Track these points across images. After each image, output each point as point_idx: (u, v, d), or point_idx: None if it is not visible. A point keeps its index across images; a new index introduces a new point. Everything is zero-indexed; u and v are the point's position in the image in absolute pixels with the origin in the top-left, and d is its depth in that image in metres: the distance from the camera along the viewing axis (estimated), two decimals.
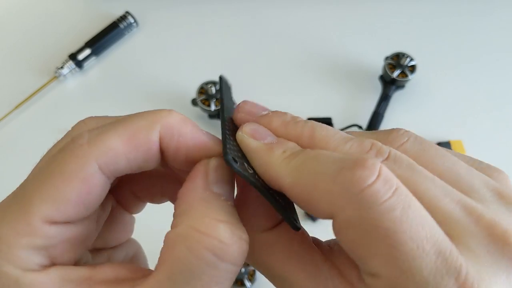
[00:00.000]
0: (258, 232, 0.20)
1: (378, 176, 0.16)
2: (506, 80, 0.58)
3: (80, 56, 0.57)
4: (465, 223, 0.17)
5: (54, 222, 0.18)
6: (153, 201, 0.25)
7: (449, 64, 0.58)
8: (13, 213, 0.18)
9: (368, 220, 0.16)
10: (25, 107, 0.56)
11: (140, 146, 0.19)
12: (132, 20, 0.59)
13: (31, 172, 0.20)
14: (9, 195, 0.20)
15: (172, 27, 0.61)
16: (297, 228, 0.19)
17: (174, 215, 0.19)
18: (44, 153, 0.21)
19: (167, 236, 0.18)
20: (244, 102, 0.23)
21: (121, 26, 0.59)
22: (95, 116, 0.22)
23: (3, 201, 0.20)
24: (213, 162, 0.20)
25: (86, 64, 0.58)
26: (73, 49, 0.58)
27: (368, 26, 0.61)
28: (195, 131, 0.21)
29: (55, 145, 0.21)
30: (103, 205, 0.22)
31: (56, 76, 0.57)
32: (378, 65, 0.56)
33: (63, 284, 0.18)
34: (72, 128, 0.21)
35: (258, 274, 0.46)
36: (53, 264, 0.19)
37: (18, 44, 0.61)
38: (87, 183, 0.18)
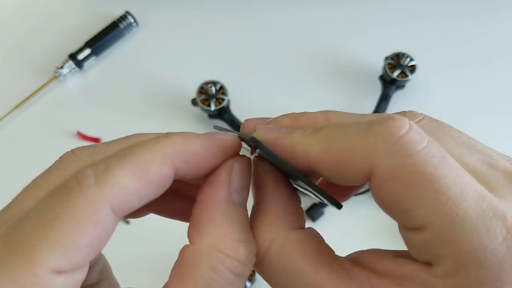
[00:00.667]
0: (291, 230, 0.19)
1: (410, 127, 0.16)
2: (506, 80, 0.58)
3: (80, 56, 0.57)
4: (495, 175, 0.17)
5: (63, 272, 0.16)
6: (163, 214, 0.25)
7: (449, 64, 0.58)
8: (14, 263, 0.16)
9: (410, 167, 0.16)
10: (25, 107, 0.56)
11: (153, 181, 0.18)
12: (132, 20, 0.59)
13: (27, 213, 0.17)
14: (0, 240, 0.17)
15: (172, 27, 0.61)
16: (341, 205, 0.19)
17: (192, 224, 0.19)
18: (30, 182, 0.19)
19: (186, 252, 0.18)
20: (247, 119, 0.23)
21: (121, 26, 0.59)
22: (85, 146, 0.20)
23: None
24: (237, 167, 0.20)
25: (86, 64, 0.58)
26: (73, 49, 0.58)
27: (368, 26, 0.61)
28: (209, 149, 0.20)
29: (45, 178, 0.19)
30: None
31: (56, 76, 0.57)
32: (378, 65, 0.56)
33: None
34: (61, 160, 0.19)
35: (258, 275, 0.46)
36: None
37: (18, 44, 0.61)
38: (100, 227, 0.17)
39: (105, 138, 0.55)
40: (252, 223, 0.20)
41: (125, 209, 0.18)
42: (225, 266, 0.18)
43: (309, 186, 0.19)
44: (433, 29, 0.61)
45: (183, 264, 0.18)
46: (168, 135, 0.20)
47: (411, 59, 0.53)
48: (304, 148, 0.18)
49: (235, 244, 0.18)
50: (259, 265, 0.19)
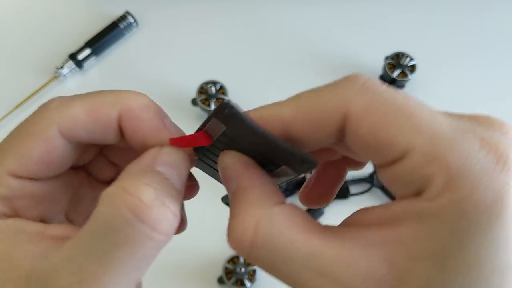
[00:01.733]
0: (273, 206, 0.19)
1: (369, 77, 0.18)
2: (506, 79, 0.58)
3: (80, 56, 0.57)
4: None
5: (18, 176, 0.20)
6: None
7: (449, 63, 0.58)
8: None
9: (382, 99, 0.17)
10: (25, 107, 0.56)
11: (99, 120, 0.21)
12: (132, 20, 0.59)
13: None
14: None
15: (172, 26, 0.61)
16: (315, 161, 0.19)
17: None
18: None
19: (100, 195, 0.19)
20: None
21: (121, 26, 0.59)
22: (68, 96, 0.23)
23: None
24: (167, 148, 0.21)
25: (86, 64, 0.58)
26: (73, 49, 0.58)
27: (368, 26, 0.61)
28: (156, 119, 0.22)
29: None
30: (75, 173, 0.24)
31: (56, 76, 0.57)
32: (378, 65, 0.56)
33: (18, 234, 0.20)
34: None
35: (258, 274, 0.46)
36: (16, 216, 0.21)
37: (19, 44, 0.61)
38: (48, 143, 0.20)
39: None
40: (232, 214, 0.20)
41: (72, 135, 0.21)
42: (123, 202, 0.18)
43: (280, 146, 0.19)
44: (432, 28, 0.61)
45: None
46: (136, 93, 0.22)
47: (411, 59, 0.53)
48: (276, 113, 0.19)
49: (141, 184, 0.18)
50: (252, 251, 0.18)
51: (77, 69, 0.58)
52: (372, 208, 0.19)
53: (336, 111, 0.18)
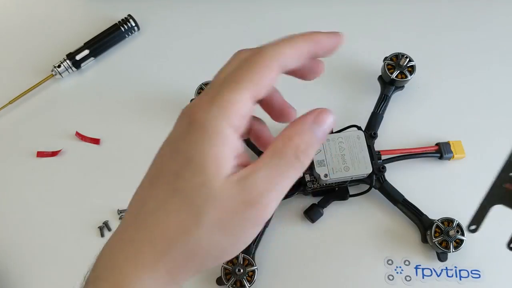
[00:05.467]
0: None
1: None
2: (505, 80, 0.58)
3: (78, 56, 0.57)
4: None
5: (253, 100, 0.26)
6: None
7: (448, 64, 0.58)
8: (230, 87, 0.26)
9: None
10: (19, 102, 0.56)
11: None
12: (133, 24, 0.59)
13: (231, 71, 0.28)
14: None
15: (173, 28, 0.61)
16: None
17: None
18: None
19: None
20: None
21: (122, 29, 0.59)
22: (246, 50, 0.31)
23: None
24: (329, 114, 0.30)
25: (84, 65, 0.58)
26: (72, 49, 0.58)
27: (367, 26, 0.61)
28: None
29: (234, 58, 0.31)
30: None
31: (52, 74, 0.57)
32: (377, 65, 0.56)
33: (234, 150, 0.26)
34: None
35: (257, 275, 0.46)
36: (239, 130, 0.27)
37: (19, 42, 0.61)
38: (271, 71, 0.27)
39: (103, 138, 0.55)
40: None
41: (284, 69, 0.29)
42: (292, 143, 0.26)
43: None
44: (432, 29, 0.61)
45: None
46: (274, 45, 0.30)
47: (410, 60, 0.53)
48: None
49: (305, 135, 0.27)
50: None
51: (74, 68, 0.57)
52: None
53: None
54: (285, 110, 0.33)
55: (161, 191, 0.25)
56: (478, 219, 0.24)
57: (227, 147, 0.25)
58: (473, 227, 0.26)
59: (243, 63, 0.27)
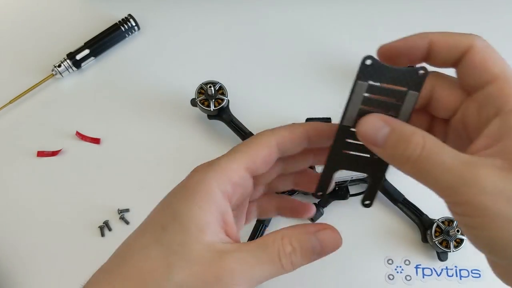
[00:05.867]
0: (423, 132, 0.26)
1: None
2: None
3: (78, 56, 0.57)
4: None
5: (248, 171, 0.28)
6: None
7: None
8: (229, 156, 0.28)
9: (492, 49, 0.26)
10: (20, 102, 0.56)
11: (295, 142, 0.30)
12: (133, 23, 0.59)
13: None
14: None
15: (173, 28, 0.61)
16: (425, 68, 0.28)
17: None
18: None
19: None
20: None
21: (122, 28, 0.59)
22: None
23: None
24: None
25: (84, 64, 0.58)
26: (73, 49, 0.58)
27: (366, 26, 0.61)
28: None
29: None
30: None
31: (53, 73, 0.57)
32: None
33: (223, 215, 0.27)
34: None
35: None
36: (231, 197, 0.28)
37: (20, 42, 0.61)
38: (270, 150, 0.29)
39: (103, 138, 0.55)
40: (394, 139, 0.26)
41: (283, 149, 0.30)
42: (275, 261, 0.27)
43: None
44: (431, 29, 0.60)
45: None
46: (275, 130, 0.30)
47: None
48: (419, 39, 0.28)
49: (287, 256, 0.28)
50: (418, 161, 0.24)
51: (74, 68, 0.57)
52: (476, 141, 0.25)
53: (464, 44, 0.26)
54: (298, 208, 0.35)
55: (147, 239, 0.26)
56: (322, 186, 0.30)
57: (213, 209, 0.26)
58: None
59: (247, 140, 0.30)
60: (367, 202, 0.30)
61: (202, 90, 0.52)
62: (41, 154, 0.54)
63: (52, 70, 0.57)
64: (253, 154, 0.28)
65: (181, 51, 0.60)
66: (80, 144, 0.55)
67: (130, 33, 0.60)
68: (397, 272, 0.49)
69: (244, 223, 0.34)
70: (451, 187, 0.22)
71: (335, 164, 0.29)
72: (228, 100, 0.53)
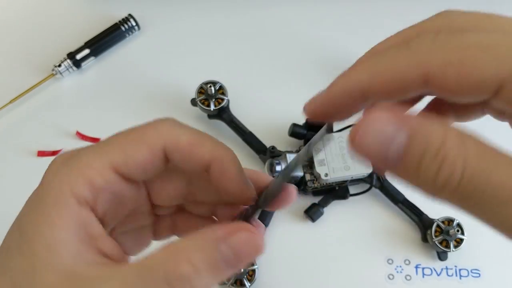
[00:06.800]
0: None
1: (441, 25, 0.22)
2: None
3: (78, 56, 0.57)
4: None
5: (117, 172, 0.22)
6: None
7: None
8: (93, 151, 0.22)
9: (457, 49, 0.17)
10: (20, 101, 0.56)
11: (193, 155, 0.24)
12: (134, 23, 0.59)
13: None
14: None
15: (173, 28, 0.61)
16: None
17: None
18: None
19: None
20: (307, 104, 0.25)
21: (122, 28, 0.59)
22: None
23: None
24: (242, 234, 0.21)
25: (84, 64, 0.58)
26: (73, 49, 0.58)
27: (366, 25, 0.61)
28: (240, 176, 0.24)
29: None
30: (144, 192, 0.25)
31: (53, 73, 0.57)
32: None
33: (80, 228, 0.21)
34: None
35: (258, 274, 0.46)
36: (93, 205, 0.21)
37: (19, 42, 0.61)
38: (153, 154, 0.22)
39: (103, 138, 0.55)
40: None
41: (171, 157, 0.23)
42: (165, 276, 0.20)
43: None
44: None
45: None
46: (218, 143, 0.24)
47: None
48: (354, 82, 0.20)
49: (187, 264, 0.20)
50: (460, 188, 0.16)
51: (74, 68, 0.57)
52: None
53: (415, 74, 0.18)
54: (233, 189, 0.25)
55: None
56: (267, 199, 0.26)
57: (67, 222, 0.20)
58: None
59: (131, 129, 0.23)
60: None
61: (202, 89, 0.52)
62: (41, 154, 0.54)
63: (52, 70, 0.57)
64: (127, 152, 0.22)
65: (181, 51, 0.60)
66: (81, 144, 0.55)
67: (130, 33, 0.60)
68: (397, 271, 0.49)
69: (150, 239, 0.27)
70: None
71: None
72: (228, 100, 0.53)
